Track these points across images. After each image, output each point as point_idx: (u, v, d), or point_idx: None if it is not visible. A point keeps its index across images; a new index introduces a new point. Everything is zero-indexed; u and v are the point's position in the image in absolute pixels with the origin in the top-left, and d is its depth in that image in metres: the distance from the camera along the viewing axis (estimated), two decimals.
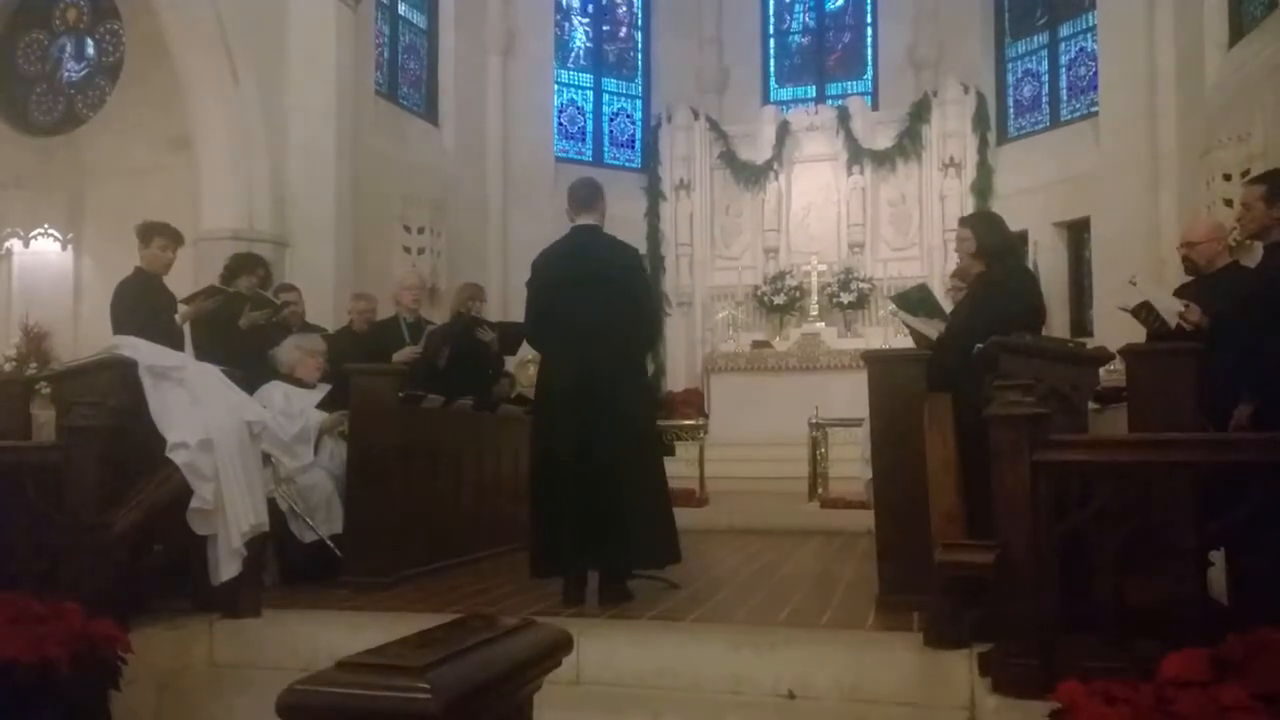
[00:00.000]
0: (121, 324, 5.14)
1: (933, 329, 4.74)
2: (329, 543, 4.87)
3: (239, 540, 4.00)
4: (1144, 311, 4.44)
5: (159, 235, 5.52)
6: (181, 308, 5.53)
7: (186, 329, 5.64)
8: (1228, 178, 8.48)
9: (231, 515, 3.99)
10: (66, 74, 10.73)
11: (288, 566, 4.88)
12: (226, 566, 3.99)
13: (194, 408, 4.02)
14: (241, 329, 5.67)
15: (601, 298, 4.34)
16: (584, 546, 4.24)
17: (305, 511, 4.90)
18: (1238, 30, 9.25)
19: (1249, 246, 5.36)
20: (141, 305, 5.31)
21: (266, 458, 4.69)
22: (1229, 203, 8.11)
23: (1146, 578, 2.78)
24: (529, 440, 4.69)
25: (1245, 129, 8.49)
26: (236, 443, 4.06)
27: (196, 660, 3.90)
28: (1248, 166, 7.85)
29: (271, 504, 4.61)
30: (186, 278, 6.82)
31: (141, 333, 4.50)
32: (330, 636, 3.71)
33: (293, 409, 5.04)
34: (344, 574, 4.70)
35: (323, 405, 5.11)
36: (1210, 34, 9.50)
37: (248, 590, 4.07)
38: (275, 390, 5.11)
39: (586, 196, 4.57)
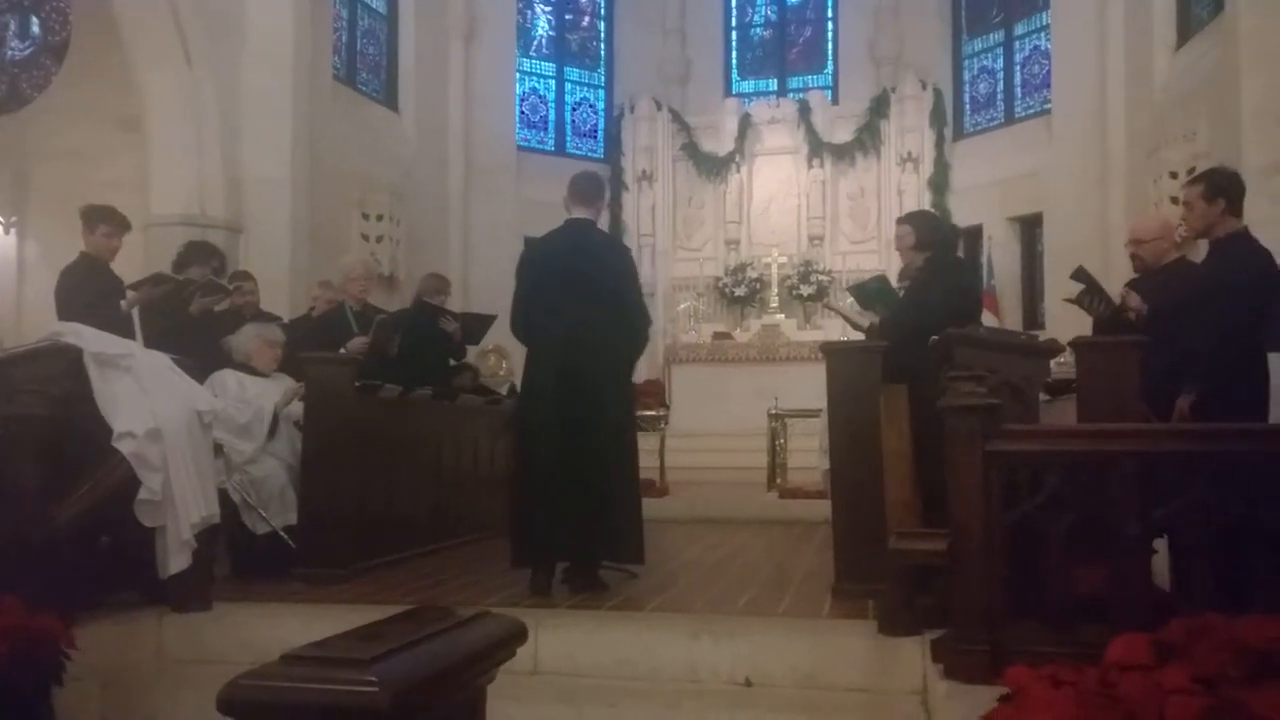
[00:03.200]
0: (66, 310, 5.02)
1: (864, 319, 4.84)
2: (283, 534, 4.81)
3: (189, 532, 3.93)
4: (1088, 299, 4.52)
5: (103, 221, 5.37)
6: (129, 294, 5.41)
7: (136, 317, 5.52)
8: (1174, 176, 8.65)
9: (181, 506, 3.91)
10: (10, 52, 10.46)
11: (240, 559, 4.81)
12: (176, 559, 3.92)
13: (142, 396, 3.93)
14: (193, 315, 5.56)
15: (591, 294, 4.35)
16: (562, 539, 4.25)
17: (258, 503, 4.83)
18: (1185, 33, 9.44)
19: (1196, 243, 5.47)
20: (87, 291, 5.18)
21: (218, 448, 4.61)
22: (1175, 200, 8.27)
23: (1093, 565, 2.83)
24: (514, 432, 4.67)
25: (1191, 129, 8.67)
26: (186, 432, 3.99)
27: (143, 655, 3.83)
28: (1193, 165, 8.01)
29: (223, 495, 4.54)
30: (136, 264, 6.67)
31: (87, 319, 4.39)
32: (283, 630, 3.66)
33: (246, 395, 4.97)
34: (298, 566, 4.64)
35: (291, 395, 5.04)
36: (1158, 36, 9.69)
37: (198, 583, 4.00)
38: (229, 377, 5.04)
39: (588, 191, 4.57)
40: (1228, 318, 3.88)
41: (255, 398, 5.00)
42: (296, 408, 5.03)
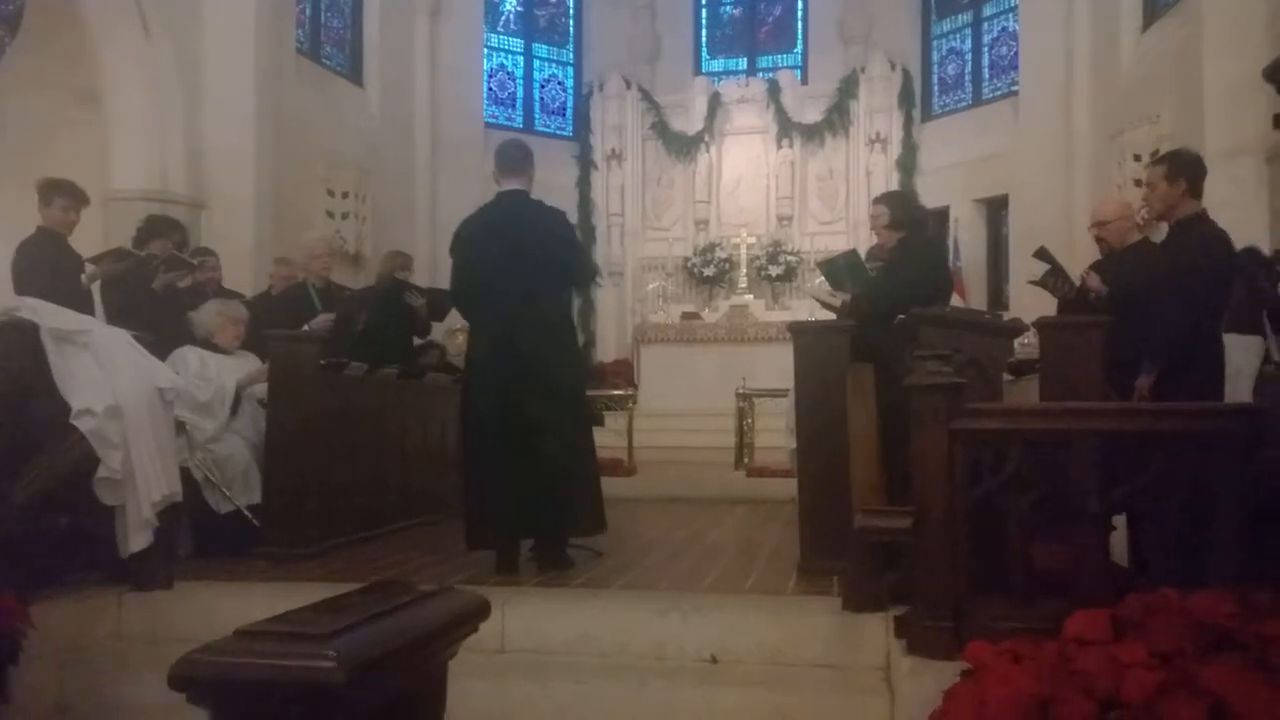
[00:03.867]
0: (23, 285, 4.92)
1: (836, 299, 4.86)
2: (246, 513, 4.76)
3: (149, 511, 3.88)
4: (1051, 280, 4.58)
5: (60, 195, 5.26)
6: (89, 267, 5.30)
7: (96, 292, 5.42)
8: (1138, 158, 8.75)
9: (142, 484, 3.86)
10: None
11: (202, 538, 4.75)
12: (136, 538, 3.87)
13: (101, 373, 3.86)
14: (156, 291, 5.47)
15: (528, 265, 4.28)
16: (517, 515, 4.22)
17: (221, 481, 4.78)
18: (1150, 16, 9.52)
19: (1158, 225, 5.55)
20: (44, 266, 5.08)
21: (180, 426, 4.55)
22: (1139, 183, 8.37)
23: (1053, 542, 2.87)
24: (459, 409, 4.63)
25: (1155, 111, 8.76)
26: (147, 410, 3.92)
27: (103, 635, 3.78)
28: (1157, 148, 8.10)
29: (186, 473, 4.48)
30: (95, 239, 6.54)
31: (45, 294, 4.30)
32: (246, 609, 3.57)
33: (208, 373, 4.90)
34: (262, 545, 4.60)
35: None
36: (1124, 19, 9.78)
37: (159, 562, 3.95)
38: (190, 354, 4.96)
39: (514, 159, 4.47)
40: (1194, 299, 3.94)
41: (217, 375, 4.93)
42: (261, 385, 4.97)
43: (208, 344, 5.10)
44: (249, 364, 5.14)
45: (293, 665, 0.96)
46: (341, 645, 0.99)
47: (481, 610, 1.33)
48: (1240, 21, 7.21)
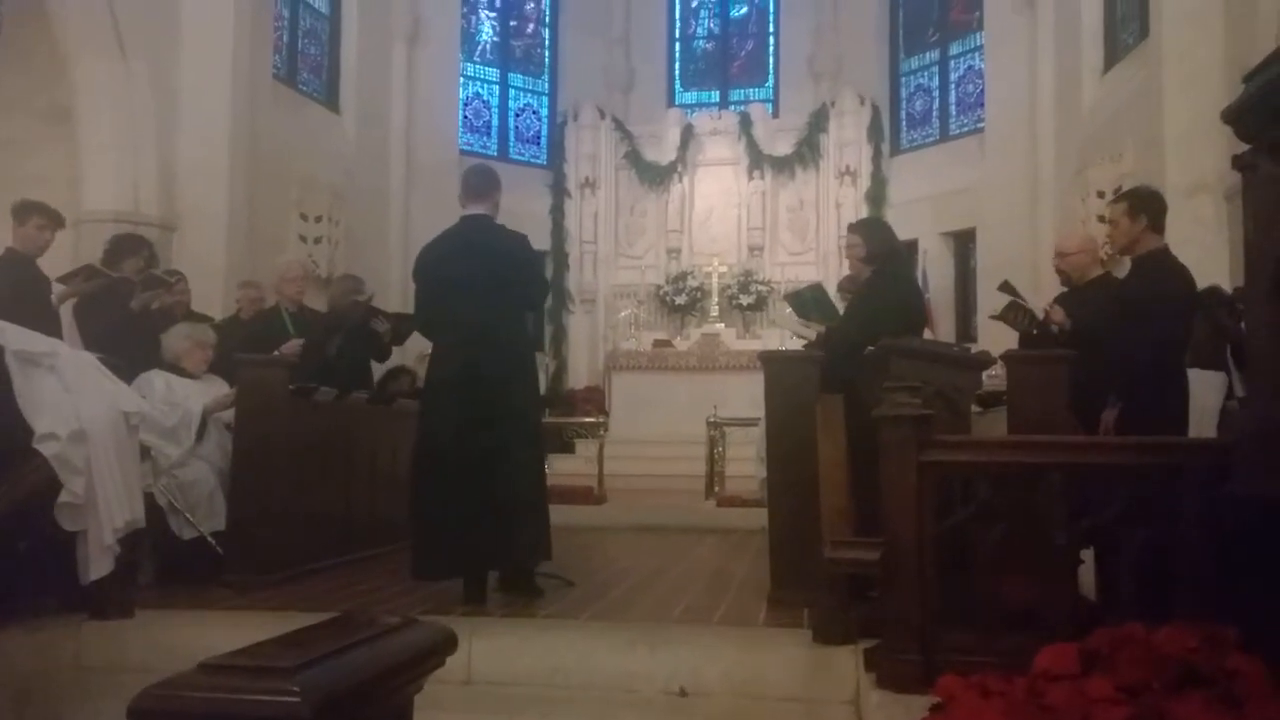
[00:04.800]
0: None
1: (811, 330, 4.87)
2: (210, 540, 4.69)
3: (112, 537, 3.81)
4: (1011, 314, 4.64)
5: (36, 214, 5.21)
6: (57, 287, 5.23)
7: (66, 314, 5.34)
8: (1101, 195, 8.91)
9: (104, 510, 3.79)
10: None
11: (165, 564, 4.67)
12: (97, 564, 3.80)
13: (66, 396, 3.80)
14: (133, 312, 5.40)
15: (489, 291, 4.26)
16: (470, 544, 4.15)
17: (185, 507, 4.71)
18: (1112, 56, 9.76)
19: (1121, 260, 5.65)
20: (7, 287, 5.00)
21: (145, 451, 4.48)
22: (1102, 219, 8.53)
23: (1022, 575, 2.89)
24: (417, 432, 4.58)
25: (1117, 150, 8.95)
26: (112, 434, 3.86)
27: (61, 663, 3.70)
28: (1120, 184, 8.26)
29: (149, 499, 4.41)
30: (64, 260, 6.45)
31: (10, 316, 4.24)
32: (208, 638, 3.54)
33: (174, 397, 4.84)
34: (226, 573, 4.53)
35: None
36: (1086, 59, 10.01)
37: (120, 589, 3.88)
38: (156, 378, 4.90)
39: (479, 185, 4.47)
40: (1157, 333, 4.00)
41: (184, 400, 4.88)
42: (228, 410, 4.91)
43: (175, 368, 5.04)
44: (216, 388, 5.08)
45: (256, 700, 0.94)
46: (306, 680, 0.96)
47: (447, 644, 1.31)
48: (1199, 65, 7.40)
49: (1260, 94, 2.24)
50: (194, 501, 4.74)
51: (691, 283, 13.21)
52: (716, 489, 8.89)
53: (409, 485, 4.44)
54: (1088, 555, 3.13)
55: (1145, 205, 4.22)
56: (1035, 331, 4.53)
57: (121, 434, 3.94)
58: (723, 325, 12.58)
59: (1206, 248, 6.60)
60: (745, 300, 12.92)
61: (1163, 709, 2.06)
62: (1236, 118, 2.38)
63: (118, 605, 3.86)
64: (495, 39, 14.59)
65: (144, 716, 0.93)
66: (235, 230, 8.81)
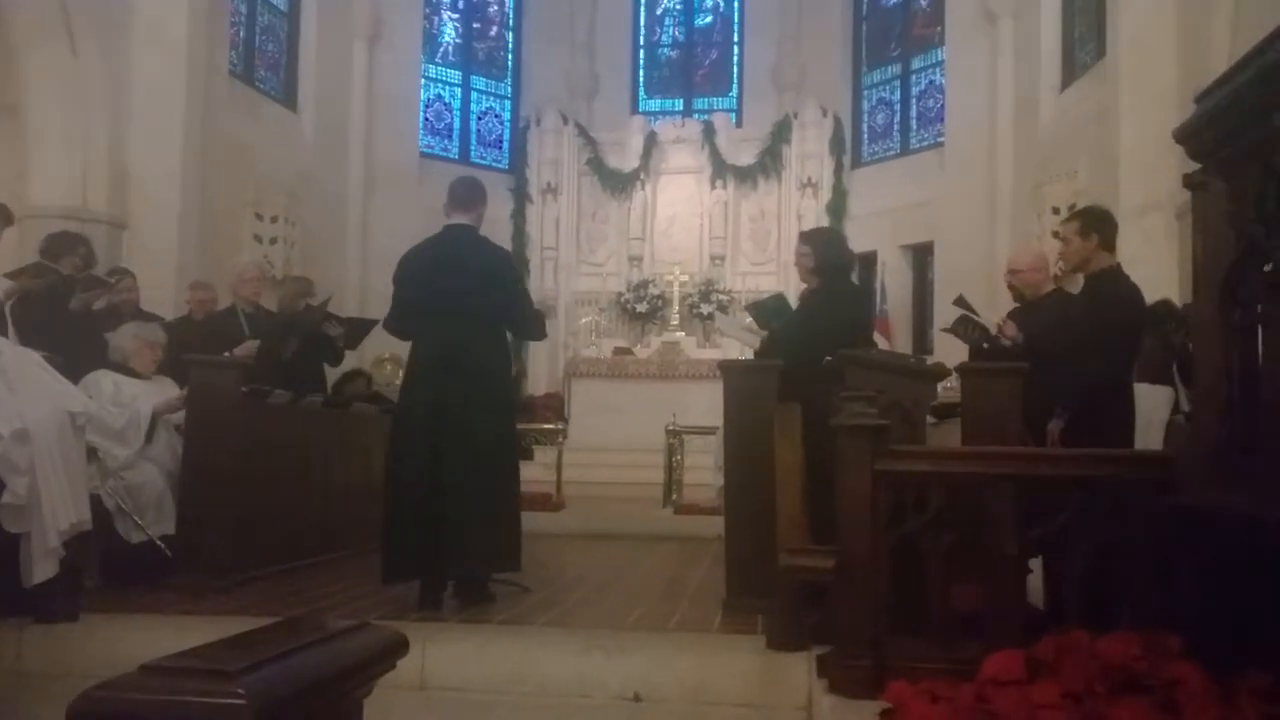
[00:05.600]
0: None
1: (753, 336, 4.89)
2: (159, 543, 4.60)
3: (56, 539, 3.73)
4: (962, 327, 4.71)
5: None
6: (5, 283, 5.10)
7: (8, 311, 5.21)
8: (1056, 211, 9.09)
9: (48, 512, 3.70)
10: None
11: (112, 568, 4.58)
12: (41, 567, 3.71)
13: (9, 395, 3.72)
14: (72, 311, 5.29)
15: (467, 302, 4.27)
16: (440, 550, 4.16)
17: (133, 510, 4.61)
18: (1070, 76, 9.96)
19: (1073, 277, 5.76)
20: None
21: (92, 452, 4.39)
22: (1057, 235, 8.69)
23: (972, 583, 2.93)
24: (388, 440, 4.57)
25: (1073, 167, 9.14)
26: (56, 434, 3.78)
27: (2, 668, 3.60)
28: (1074, 202, 8.43)
29: (96, 501, 4.33)
30: (8, 258, 6.31)
31: None
32: (155, 643, 3.44)
33: (123, 398, 4.75)
34: (175, 577, 4.44)
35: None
36: (1044, 78, 10.21)
37: (64, 593, 3.79)
38: (105, 378, 4.80)
39: (465, 196, 4.48)
40: (1107, 349, 4.08)
41: (133, 400, 4.78)
42: (176, 406, 4.83)
43: (123, 368, 4.95)
44: (166, 389, 4.99)
45: (200, 703, 0.92)
46: (251, 683, 0.95)
47: (398, 647, 1.29)
48: (1153, 85, 7.58)
49: (1211, 114, 2.30)
50: (142, 504, 4.65)
51: (653, 291, 13.23)
52: (674, 497, 8.90)
53: (384, 492, 4.40)
54: (1036, 564, 3.18)
55: (1097, 224, 4.31)
56: (986, 345, 4.60)
57: (67, 434, 3.86)
58: (683, 334, 12.62)
59: (1156, 266, 6.76)
60: (706, 309, 12.97)
61: (1104, 715, 2.10)
62: (1188, 137, 2.44)
63: (62, 609, 3.77)
64: (458, 41, 14.52)
65: (85, 718, 0.91)
66: (188, 229, 8.67)
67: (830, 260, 4.74)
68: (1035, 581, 3.21)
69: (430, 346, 4.31)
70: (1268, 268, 2.13)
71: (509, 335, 4.64)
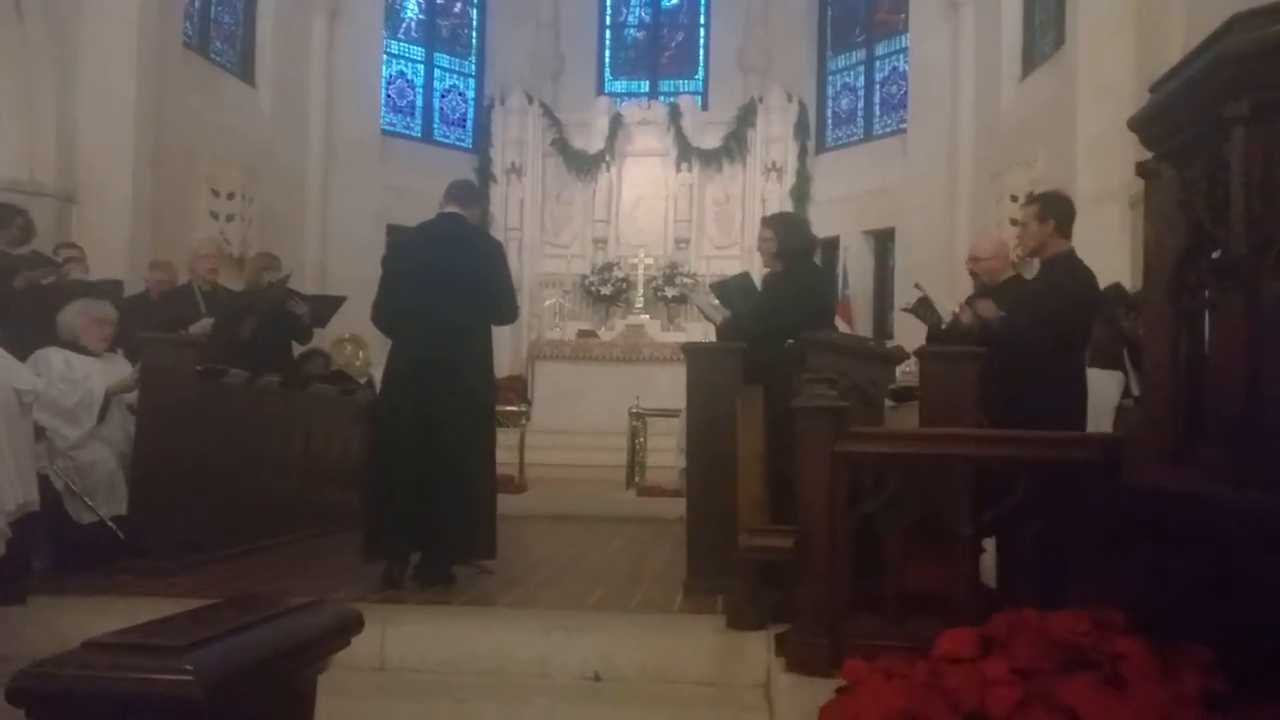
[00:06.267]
0: None
1: (718, 314, 4.92)
2: (110, 524, 4.53)
3: (2, 520, 3.65)
4: (921, 308, 4.75)
5: None
6: None
7: None
8: (1014, 199, 9.19)
9: None
10: None
11: (62, 550, 4.49)
12: None
13: None
14: (16, 290, 5.17)
15: (455, 288, 4.29)
16: (414, 532, 4.19)
17: (84, 490, 4.53)
18: (1030, 64, 10.06)
19: (1030, 263, 5.83)
20: None
21: (40, 431, 4.30)
22: (1015, 222, 8.80)
23: (927, 563, 2.97)
24: (371, 421, 4.56)
25: (1031, 155, 9.24)
26: (3, 413, 3.70)
27: None
28: (1032, 189, 8.51)
29: (45, 481, 4.24)
30: None
31: None
32: (104, 626, 3.39)
33: (74, 375, 4.65)
34: (127, 558, 4.38)
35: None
36: (1005, 66, 10.31)
37: (11, 575, 3.72)
38: (54, 356, 4.70)
39: (463, 194, 4.60)
40: (1065, 332, 4.14)
41: (84, 379, 4.68)
42: (130, 386, 4.75)
43: (73, 345, 4.84)
44: (118, 367, 4.90)
45: (145, 679, 0.90)
46: (199, 659, 0.92)
47: (352, 624, 1.28)
48: (1110, 74, 7.68)
49: (1163, 104, 2.34)
50: (93, 484, 4.57)
51: (617, 273, 13.21)
52: (637, 479, 8.93)
53: (366, 471, 4.40)
54: (990, 544, 3.24)
55: (1054, 209, 4.36)
56: (944, 327, 4.64)
57: (14, 413, 3.77)
58: (647, 317, 12.63)
59: (1110, 253, 6.86)
60: (670, 292, 12.98)
61: (1053, 690, 2.14)
62: (1141, 126, 2.47)
63: (9, 591, 3.71)
64: (421, 17, 14.32)
65: (24, 696, 0.88)
66: (140, 205, 8.48)
67: (793, 244, 4.77)
68: (989, 561, 3.27)
69: (418, 331, 4.31)
70: (1215, 255, 2.17)
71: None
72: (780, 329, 4.22)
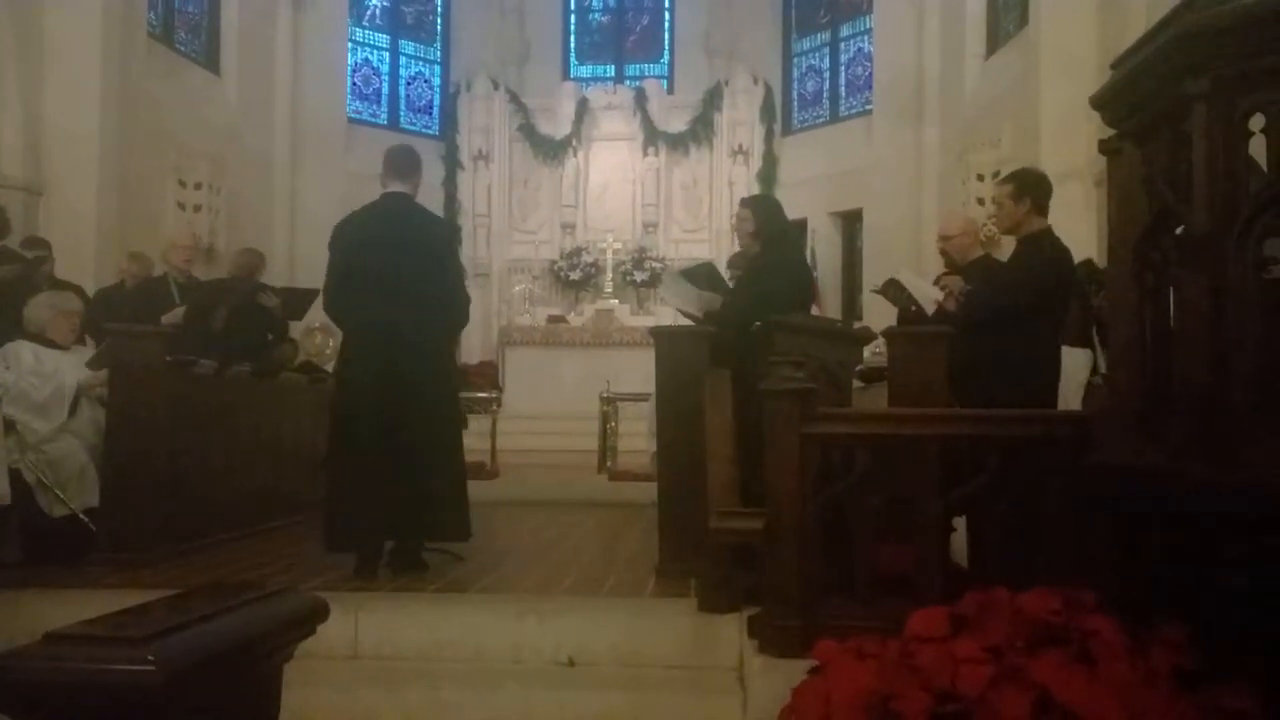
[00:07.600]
0: None
1: (695, 305, 4.89)
2: (82, 517, 4.48)
3: None
4: (891, 290, 4.77)
5: None
6: None
7: None
8: (981, 178, 9.27)
9: None
10: None
11: (33, 543, 4.44)
12: None
13: None
14: None
15: (409, 266, 4.21)
16: (384, 520, 4.14)
17: (55, 483, 4.48)
18: (994, 44, 10.12)
19: (1000, 242, 5.87)
20: None
21: (10, 425, 4.24)
22: (982, 201, 8.88)
23: (897, 543, 3.00)
24: (330, 409, 4.49)
25: (997, 135, 9.30)
26: None
27: None
28: (998, 169, 8.59)
29: (16, 475, 4.19)
30: None
31: None
32: (74, 618, 3.39)
33: (44, 369, 4.59)
34: (98, 551, 4.33)
35: (92, 364, 4.69)
36: (969, 46, 10.36)
37: None
38: (24, 349, 4.64)
39: (402, 164, 4.43)
40: (1040, 311, 4.16)
41: (55, 372, 4.62)
42: (101, 380, 4.69)
43: (41, 339, 4.77)
44: (87, 360, 4.83)
45: (106, 669, 0.89)
46: (161, 649, 0.92)
47: (317, 613, 1.27)
48: (1073, 53, 7.73)
49: (1125, 81, 2.35)
50: (64, 478, 4.52)
51: (586, 258, 13.19)
52: (609, 463, 8.93)
53: (326, 460, 4.34)
54: (960, 523, 3.27)
55: (1030, 188, 4.35)
56: (914, 308, 4.66)
57: None
58: (616, 301, 12.62)
59: (1076, 232, 6.90)
60: (639, 277, 12.98)
61: (1024, 667, 2.17)
62: (1104, 104, 2.49)
63: None
64: (385, 4, 14.17)
65: None
66: (107, 196, 8.36)
67: (771, 224, 4.76)
68: (960, 540, 3.30)
69: (370, 317, 4.23)
70: (1178, 231, 2.20)
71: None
72: (769, 312, 4.16)
